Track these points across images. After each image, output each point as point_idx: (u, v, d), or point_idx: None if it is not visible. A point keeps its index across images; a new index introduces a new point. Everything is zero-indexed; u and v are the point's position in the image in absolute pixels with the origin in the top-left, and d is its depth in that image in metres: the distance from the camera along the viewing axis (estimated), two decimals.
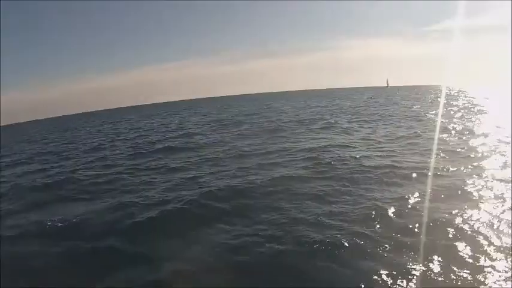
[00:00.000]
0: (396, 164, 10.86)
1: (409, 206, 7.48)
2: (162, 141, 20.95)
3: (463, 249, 5.64)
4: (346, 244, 5.99)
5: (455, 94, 60.14)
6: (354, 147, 14.25)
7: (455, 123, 19.49)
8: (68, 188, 11.48)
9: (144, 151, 17.44)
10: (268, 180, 9.89)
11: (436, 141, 14.05)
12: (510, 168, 9.53)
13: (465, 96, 51.67)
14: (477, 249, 5.60)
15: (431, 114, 26.09)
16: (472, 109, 28.56)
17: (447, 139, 14.68)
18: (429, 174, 9.61)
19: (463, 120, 21.01)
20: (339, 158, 12.08)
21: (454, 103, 38.21)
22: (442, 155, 11.89)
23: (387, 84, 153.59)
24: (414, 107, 35.01)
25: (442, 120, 21.37)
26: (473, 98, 47.80)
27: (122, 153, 17.47)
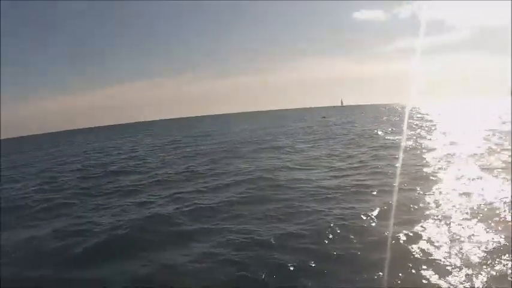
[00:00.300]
0: (348, 183, 11.17)
1: (365, 223, 7.66)
2: (114, 163, 20.64)
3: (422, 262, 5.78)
4: (302, 264, 6.03)
5: (411, 111, 63.11)
6: (307, 168, 14.66)
7: (408, 140, 20.88)
8: (13, 212, 11.05)
9: (95, 174, 17.08)
10: (221, 202, 9.97)
11: (389, 159, 14.87)
12: (463, 180, 10.36)
13: (420, 113, 54.96)
14: (436, 262, 5.72)
15: (383, 132, 27.47)
16: (426, 126, 30.46)
17: (401, 156, 15.33)
18: (384, 190, 9.99)
19: (416, 137, 22.42)
20: (292, 178, 12.37)
21: (409, 120, 40.35)
22: (394, 172, 12.34)
23: (342, 103, 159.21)
24: (367, 125, 36.64)
25: (397, 138, 22.73)
26: (427, 114, 51.31)
27: (72, 177, 17.00)
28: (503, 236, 6.40)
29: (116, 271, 6.41)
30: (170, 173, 15.36)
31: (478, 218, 7.41)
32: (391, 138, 22.99)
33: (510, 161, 12.60)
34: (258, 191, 10.96)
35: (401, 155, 15.74)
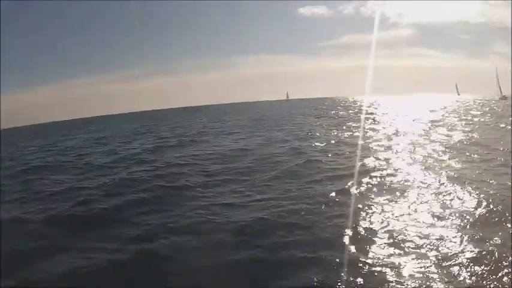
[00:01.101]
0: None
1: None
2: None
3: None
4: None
5: (351, 104, 65.27)
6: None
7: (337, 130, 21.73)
8: None
9: None
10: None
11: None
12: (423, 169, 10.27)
13: (363, 105, 57.21)
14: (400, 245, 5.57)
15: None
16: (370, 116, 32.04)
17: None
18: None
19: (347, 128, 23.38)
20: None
21: (343, 112, 41.75)
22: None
23: (287, 97, 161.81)
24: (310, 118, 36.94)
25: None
26: (373, 106, 53.39)
27: None
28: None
29: None
30: None
31: None
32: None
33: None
34: None
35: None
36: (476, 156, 11.78)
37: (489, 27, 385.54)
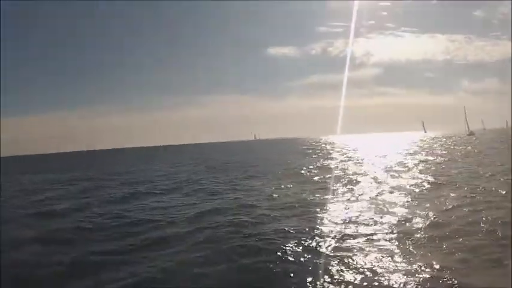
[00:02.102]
0: None
1: None
2: None
3: None
4: None
5: (319, 144, 62.98)
6: None
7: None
8: None
9: None
10: None
11: None
12: None
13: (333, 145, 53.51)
14: None
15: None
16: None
17: None
18: None
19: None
20: None
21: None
22: None
23: (255, 137, 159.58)
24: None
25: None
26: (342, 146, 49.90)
27: None
28: None
29: None
30: None
31: None
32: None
33: None
34: None
35: None
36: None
37: (453, 64, 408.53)
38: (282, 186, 14.85)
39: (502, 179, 13.42)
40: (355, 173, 17.96)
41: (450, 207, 9.48)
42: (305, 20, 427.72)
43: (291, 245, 6.77)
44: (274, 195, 12.73)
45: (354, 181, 15.23)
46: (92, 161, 62.12)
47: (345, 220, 8.65)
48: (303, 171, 20.33)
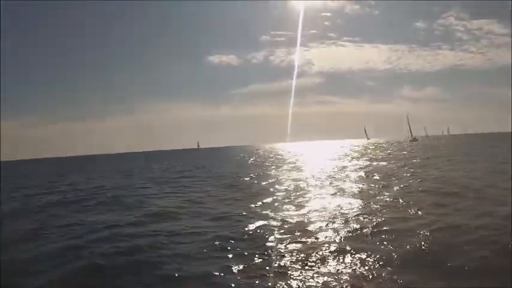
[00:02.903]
0: None
1: None
2: None
3: None
4: None
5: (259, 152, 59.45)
6: None
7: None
8: None
9: None
10: None
11: None
12: None
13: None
14: None
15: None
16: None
17: None
18: None
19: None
20: None
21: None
22: None
23: (198, 146, 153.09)
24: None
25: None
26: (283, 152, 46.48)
27: None
28: None
29: None
30: None
31: None
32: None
33: None
34: None
35: None
36: None
37: (394, 73, 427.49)
38: None
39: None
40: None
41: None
42: (247, 28, 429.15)
43: None
44: None
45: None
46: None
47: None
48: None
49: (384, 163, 24.40)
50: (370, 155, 35.58)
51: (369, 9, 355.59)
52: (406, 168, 19.91)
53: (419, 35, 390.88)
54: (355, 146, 69.40)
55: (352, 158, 32.46)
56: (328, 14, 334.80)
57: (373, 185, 13.39)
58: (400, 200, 9.92)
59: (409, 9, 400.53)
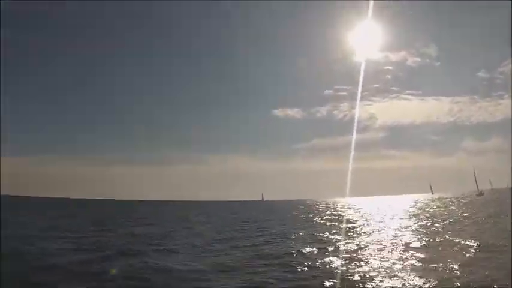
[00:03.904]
0: None
1: None
2: None
3: None
4: None
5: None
6: None
7: None
8: None
9: None
10: None
11: None
12: None
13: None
14: None
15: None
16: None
17: None
18: None
19: None
20: None
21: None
22: None
23: (262, 198, 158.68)
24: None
25: None
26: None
27: None
28: None
29: None
30: None
31: None
32: None
33: None
34: None
35: None
36: None
37: (456, 126, 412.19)
38: None
39: None
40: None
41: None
42: (311, 83, 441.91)
43: None
44: None
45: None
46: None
47: None
48: None
49: None
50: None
51: (430, 61, 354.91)
52: None
53: (481, 85, 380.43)
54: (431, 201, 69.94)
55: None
56: (390, 68, 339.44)
57: None
58: None
59: (470, 60, 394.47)
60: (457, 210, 41.34)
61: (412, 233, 20.31)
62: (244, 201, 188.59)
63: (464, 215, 33.05)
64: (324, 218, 37.00)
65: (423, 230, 21.37)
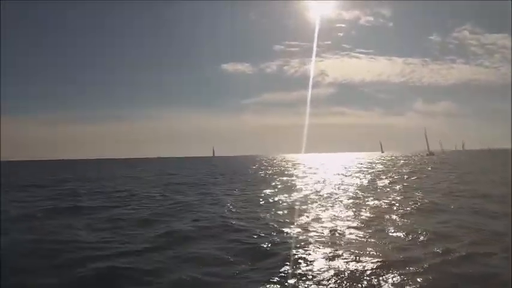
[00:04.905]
0: None
1: None
2: None
3: None
4: None
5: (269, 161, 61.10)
6: None
7: None
8: None
9: None
10: None
11: None
12: None
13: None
14: None
15: None
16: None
17: None
18: None
19: None
20: None
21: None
22: None
23: (213, 153, 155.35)
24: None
25: None
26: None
27: None
28: None
29: None
30: None
31: None
32: None
33: None
34: None
35: None
36: None
37: (408, 86, 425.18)
38: None
39: None
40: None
41: None
42: (262, 38, 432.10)
43: None
44: None
45: None
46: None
47: None
48: None
49: None
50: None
51: (383, 21, 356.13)
52: None
53: (433, 48, 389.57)
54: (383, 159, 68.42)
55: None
56: (343, 25, 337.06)
57: None
58: None
59: (423, 23, 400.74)
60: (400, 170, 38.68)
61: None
62: (195, 157, 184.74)
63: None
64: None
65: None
